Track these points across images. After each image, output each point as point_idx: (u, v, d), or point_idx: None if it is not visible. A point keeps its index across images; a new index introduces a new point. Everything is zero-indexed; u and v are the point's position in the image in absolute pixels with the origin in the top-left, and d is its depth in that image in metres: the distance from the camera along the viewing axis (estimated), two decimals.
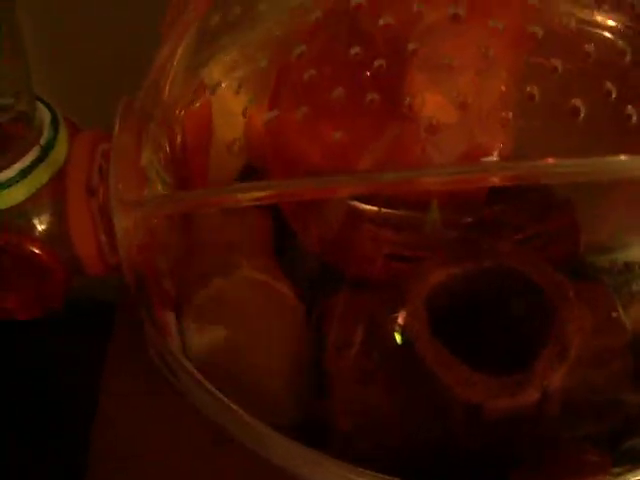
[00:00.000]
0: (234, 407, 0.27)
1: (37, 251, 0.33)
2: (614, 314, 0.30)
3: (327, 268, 0.32)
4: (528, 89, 0.26)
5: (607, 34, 0.28)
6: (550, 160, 0.23)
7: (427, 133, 0.26)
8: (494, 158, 0.29)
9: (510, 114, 0.26)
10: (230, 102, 0.30)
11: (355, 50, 0.27)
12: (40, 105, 0.34)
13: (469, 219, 0.32)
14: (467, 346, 0.28)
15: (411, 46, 0.26)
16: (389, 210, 0.32)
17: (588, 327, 0.28)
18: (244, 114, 0.29)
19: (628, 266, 0.30)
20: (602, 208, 0.30)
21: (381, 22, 0.27)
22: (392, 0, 0.27)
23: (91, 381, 0.40)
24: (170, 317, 0.31)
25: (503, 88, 0.28)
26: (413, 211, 0.32)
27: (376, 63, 0.26)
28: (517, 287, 0.30)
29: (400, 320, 0.29)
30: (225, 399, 0.28)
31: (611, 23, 0.28)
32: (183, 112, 0.32)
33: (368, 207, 0.32)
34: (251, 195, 0.26)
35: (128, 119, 0.30)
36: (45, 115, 0.34)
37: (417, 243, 0.32)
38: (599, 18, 0.28)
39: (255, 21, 0.30)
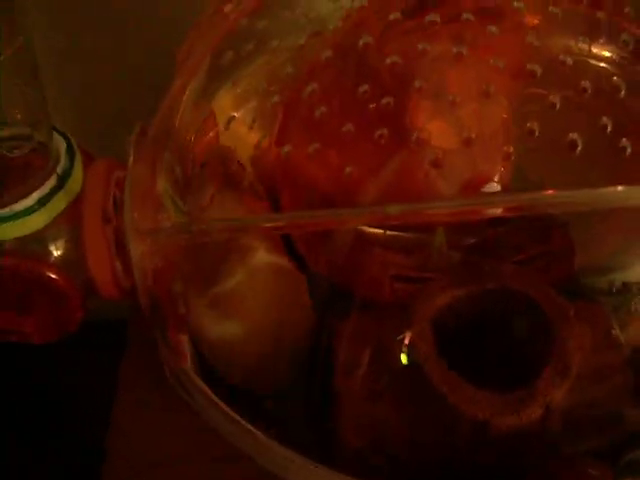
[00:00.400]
0: (249, 427, 0.28)
1: (53, 276, 0.33)
2: (612, 332, 0.30)
3: (337, 289, 0.33)
4: (528, 125, 0.27)
5: (603, 64, 0.29)
6: (550, 191, 0.23)
7: (432, 166, 0.27)
8: (495, 183, 0.30)
9: (511, 148, 0.27)
10: (244, 135, 0.30)
11: (364, 88, 0.27)
12: (55, 134, 0.35)
13: (472, 240, 0.32)
14: (472, 365, 0.28)
15: (417, 83, 0.27)
16: (394, 232, 0.32)
17: (588, 345, 0.29)
18: (257, 147, 0.30)
19: (626, 286, 0.31)
20: (600, 231, 0.31)
21: (388, 61, 0.28)
22: (398, 39, 0.28)
23: (106, 394, 0.41)
24: (184, 339, 0.32)
25: (505, 115, 0.29)
26: (418, 233, 0.32)
27: (384, 100, 0.27)
28: (519, 307, 0.30)
29: (407, 341, 0.30)
30: (240, 420, 0.28)
31: (606, 54, 0.29)
32: (193, 138, 0.33)
33: (374, 230, 0.32)
34: (262, 225, 0.27)
35: (142, 148, 0.31)
36: (61, 144, 0.34)
37: (423, 265, 0.33)
38: (595, 50, 0.29)
39: (267, 57, 0.30)
